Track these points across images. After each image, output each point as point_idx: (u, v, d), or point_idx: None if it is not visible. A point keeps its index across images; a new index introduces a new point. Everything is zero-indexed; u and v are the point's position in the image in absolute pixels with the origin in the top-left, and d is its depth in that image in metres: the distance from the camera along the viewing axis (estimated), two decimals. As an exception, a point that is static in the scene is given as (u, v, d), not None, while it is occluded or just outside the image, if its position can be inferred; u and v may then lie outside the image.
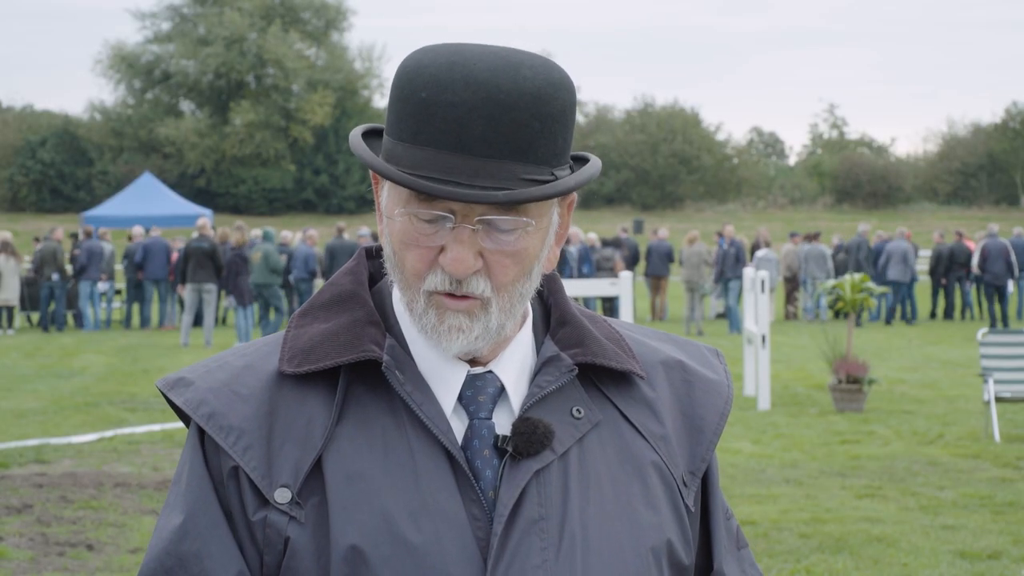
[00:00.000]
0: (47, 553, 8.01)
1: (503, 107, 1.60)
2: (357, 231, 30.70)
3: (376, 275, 1.80)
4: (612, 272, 25.53)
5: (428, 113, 1.61)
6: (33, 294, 26.89)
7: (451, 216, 1.63)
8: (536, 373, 1.72)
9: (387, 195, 1.69)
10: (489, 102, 1.60)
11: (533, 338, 1.76)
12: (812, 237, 28.98)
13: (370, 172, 1.74)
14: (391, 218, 1.67)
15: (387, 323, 1.73)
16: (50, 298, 26.11)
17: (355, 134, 1.71)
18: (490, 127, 1.60)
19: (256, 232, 28.30)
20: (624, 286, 11.97)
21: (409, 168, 1.61)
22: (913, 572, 7.73)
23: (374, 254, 1.81)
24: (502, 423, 1.69)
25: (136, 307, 27.58)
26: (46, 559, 7.89)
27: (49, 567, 7.73)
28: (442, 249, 1.64)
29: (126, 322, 27.25)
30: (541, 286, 1.80)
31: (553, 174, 1.64)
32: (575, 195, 1.76)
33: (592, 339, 1.76)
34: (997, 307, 26.44)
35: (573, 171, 1.69)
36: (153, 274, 26.41)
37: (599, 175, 1.74)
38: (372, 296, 1.76)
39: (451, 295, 1.65)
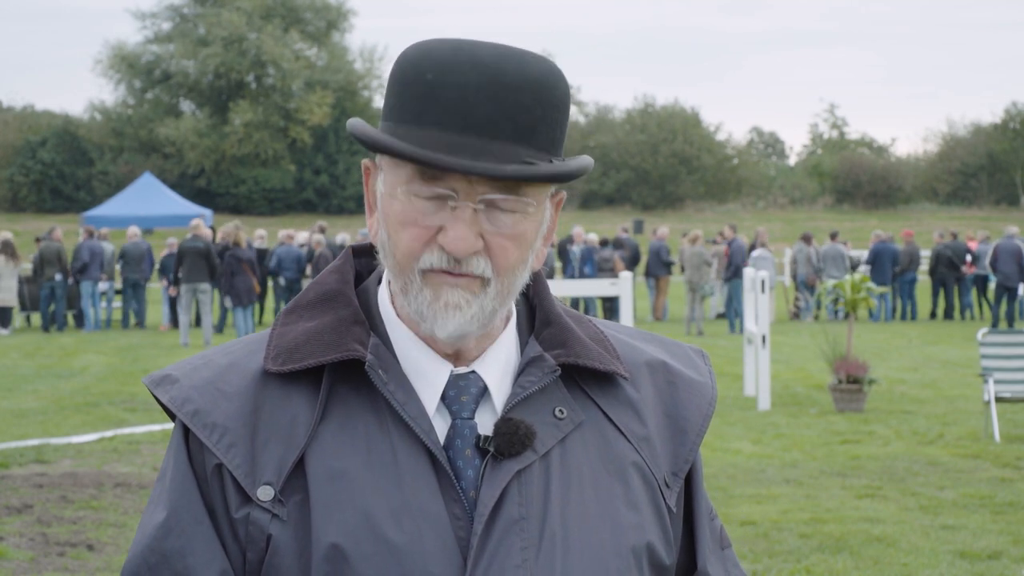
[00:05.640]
0: (47, 553, 8.01)
1: (508, 89, 1.62)
2: (359, 231, 30.68)
3: (363, 274, 1.80)
4: (612, 272, 25.52)
5: (433, 94, 1.62)
6: (33, 294, 26.86)
7: (453, 195, 1.62)
8: (519, 373, 1.72)
9: (384, 179, 1.68)
10: (495, 84, 1.62)
11: (517, 338, 1.76)
12: (832, 236, 29.23)
13: (362, 164, 1.74)
14: (392, 197, 1.66)
15: (372, 322, 1.73)
16: (51, 298, 26.09)
17: (353, 120, 1.70)
18: (495, 108, 1.61)
19: (260, 232, 28.22)
20: (624, 286, 11.96)
21: (413, 146, 1.61)
22: (913, 572, 7.73)
23: (361, 253, 1.81)
24: (485, 423, 1.69)
25: (133, 308, 27.57)
26: (46, 559, 7.88)
27: (49, 567, 7.72)
28: (440, 229, 1.63)
29: (123, 322, 27.24)
30: (526, 285, 1.80)
31: (551, 161, 1.65)
32: (564, 194, 1.77)
33: (576, 340, 1.75)
34: (1003, 307, 26.36)
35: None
36: (144, 274, 26.57)
37: (593, 174, 1.74)
38: (358, 295, 1.76)
39: (449, 272, 1.64)
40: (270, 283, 26.28)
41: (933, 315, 28.85)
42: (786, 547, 8.23)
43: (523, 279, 1.69)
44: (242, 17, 62.71)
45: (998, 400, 12.46)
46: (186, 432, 1.69)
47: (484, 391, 1.70)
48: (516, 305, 1.78)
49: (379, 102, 67.27)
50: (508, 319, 1.76)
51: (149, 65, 64.70)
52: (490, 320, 1.67)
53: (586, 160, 1.69)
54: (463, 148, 1.60)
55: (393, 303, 1.73)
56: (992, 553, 8.10)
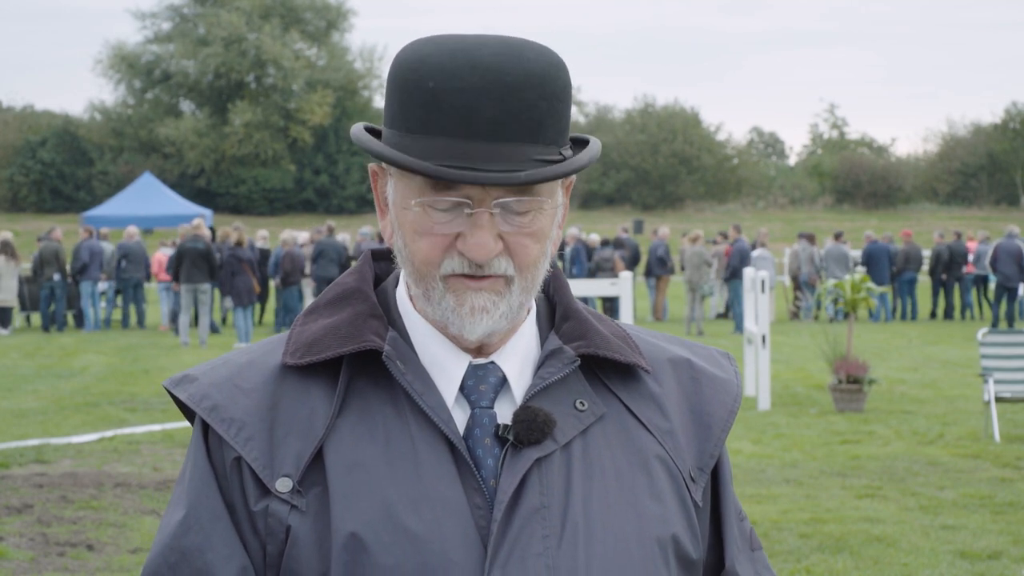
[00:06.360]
0: (47, 553, 8.01)
1: (511, 89, 1.62)
2: (359, 230, 30.65)
3: (382, 276, 1.81)
4: (612, 272, 25.54)
5: (436, 101, 1.62)
6: (33, 294, 26.84)
7: (468, 202, 1.63)
8: (540, 366, 1.73)
9: (395, 188, 1.69)
10: (498, 85, 1.62)
11: (537, 332, 1.77)
12: (836, 236, 29.29)
13: (369, 168, 1.76)
14: (406, 208, 1.67)
15: (390, 316, 1.75)
16: (50, 298, 26.08)
17: (357, 128, 1.71)
18: (500, 110, 1.62)
19: (263, 233, 28.18)
20: (624, 286, 11.97)
21: (420, 158, 1.62)
22: (913, 572, 7.73)
23: (380, 257, 1.82)
24: (504, 413, 1.69)
25: (132, 307, 27.56)
26: (46, 559, 7.88)
27: (49, 567, 7.73)
28: (458, 236, 1.65)
29: (123, 322, 27.24)
30: (546, 283, 1.81)
31: (561, 154, 1.66)
32: (574, 176, 1.78)
33: (596, 333, 1.76)
34: (1003, 307, 26.35)
35: (574, 151, 1.71)
36: (143, 274, 26.58)
37: (593, 174, 1.75)
38: (376, 294, 1.77)
39: (472, 276, 1.65)
40: (271, 283, 26.26)
41: (933, 315, 28.86)
42: (786, 547, 8.23)
43: (544, 267, 1.71)
44: (242, 17, 62.71)
45: (998, 400, 12.46)
46: (205, 429, 1.71)
47: (503, 381, 1.71)
48: (536, 301, 1.78)
49: (379, 102, 67.22)
50: (528, 311, 1.77)
51: (149, 65, 64.71)
52: (518, 314, 1.69)
53: (594, 149, 1.70)
54: (471, 155, 1.61)
55: (411, 299, 1.74)
56: (992, 553, 8.10)
